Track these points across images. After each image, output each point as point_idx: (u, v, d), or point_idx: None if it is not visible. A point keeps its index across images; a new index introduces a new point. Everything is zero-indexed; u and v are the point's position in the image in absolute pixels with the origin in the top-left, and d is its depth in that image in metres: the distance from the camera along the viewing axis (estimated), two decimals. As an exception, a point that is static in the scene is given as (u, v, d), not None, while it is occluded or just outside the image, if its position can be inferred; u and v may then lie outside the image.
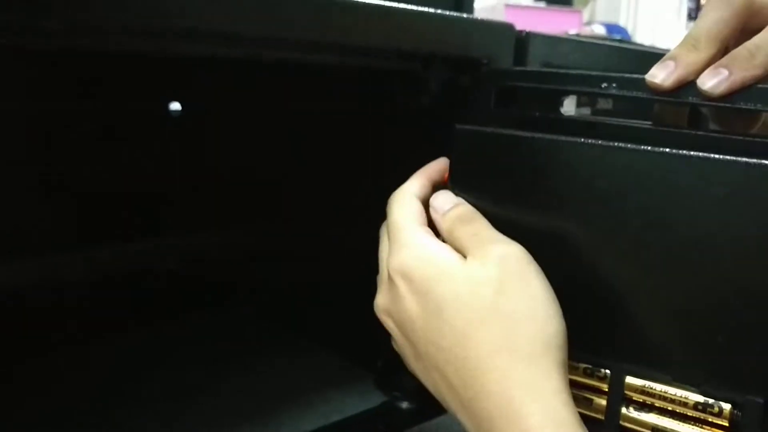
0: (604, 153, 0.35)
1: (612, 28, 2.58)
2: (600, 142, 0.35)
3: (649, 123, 0.37)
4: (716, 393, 0.34)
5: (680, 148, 0.33)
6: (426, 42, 0.42)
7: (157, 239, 0.70)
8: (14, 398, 0.55)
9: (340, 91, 0.60)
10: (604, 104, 0.57)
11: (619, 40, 1.88)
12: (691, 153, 0.33)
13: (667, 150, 0.33)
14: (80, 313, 0.64)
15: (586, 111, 0.56)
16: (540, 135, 0.37)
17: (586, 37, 1.80)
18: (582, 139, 0.36)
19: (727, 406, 0.33)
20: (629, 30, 2.82)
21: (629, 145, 0.34)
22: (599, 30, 2.46)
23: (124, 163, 0.66)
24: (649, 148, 0.34)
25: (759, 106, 0.33)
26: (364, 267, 0.42)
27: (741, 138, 0.34)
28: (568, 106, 0.54)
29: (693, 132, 0.35)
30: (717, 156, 0.32)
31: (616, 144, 0.35)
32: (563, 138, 0.36)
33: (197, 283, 0.74)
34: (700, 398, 0.34)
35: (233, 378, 0.60)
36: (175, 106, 0.68)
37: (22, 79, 0.57)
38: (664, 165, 0.34)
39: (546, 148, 0.37)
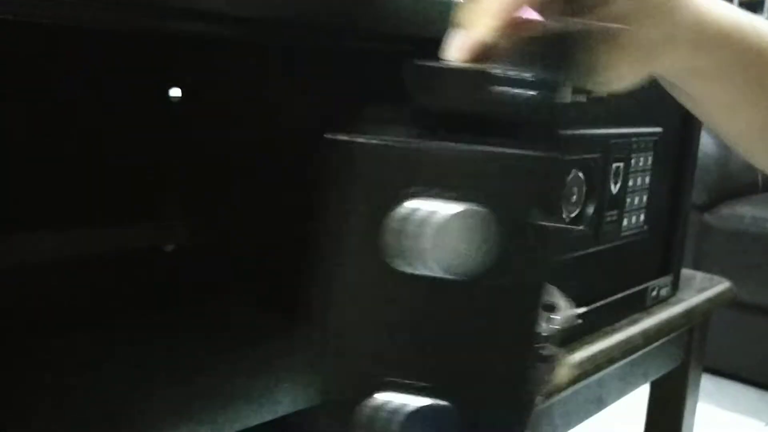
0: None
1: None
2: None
3: None
4: None
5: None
6: (414, 25, 0.41)
7: (154, 224, 0.70)
8: (8, 392, 0.56)
9: (335, 76, 0.60)
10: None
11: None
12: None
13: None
14: (74, 298, 0.64)
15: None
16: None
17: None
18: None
19: None
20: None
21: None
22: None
23: (122, 143, 0.66)
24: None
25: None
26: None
27: None
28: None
29: None
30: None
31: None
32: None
33: (196, 270, 0.74)
34: None
35: (232, 360, 0.61)
36: (178, 91, 0.68)
37: (19, 55, 0.57)
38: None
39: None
